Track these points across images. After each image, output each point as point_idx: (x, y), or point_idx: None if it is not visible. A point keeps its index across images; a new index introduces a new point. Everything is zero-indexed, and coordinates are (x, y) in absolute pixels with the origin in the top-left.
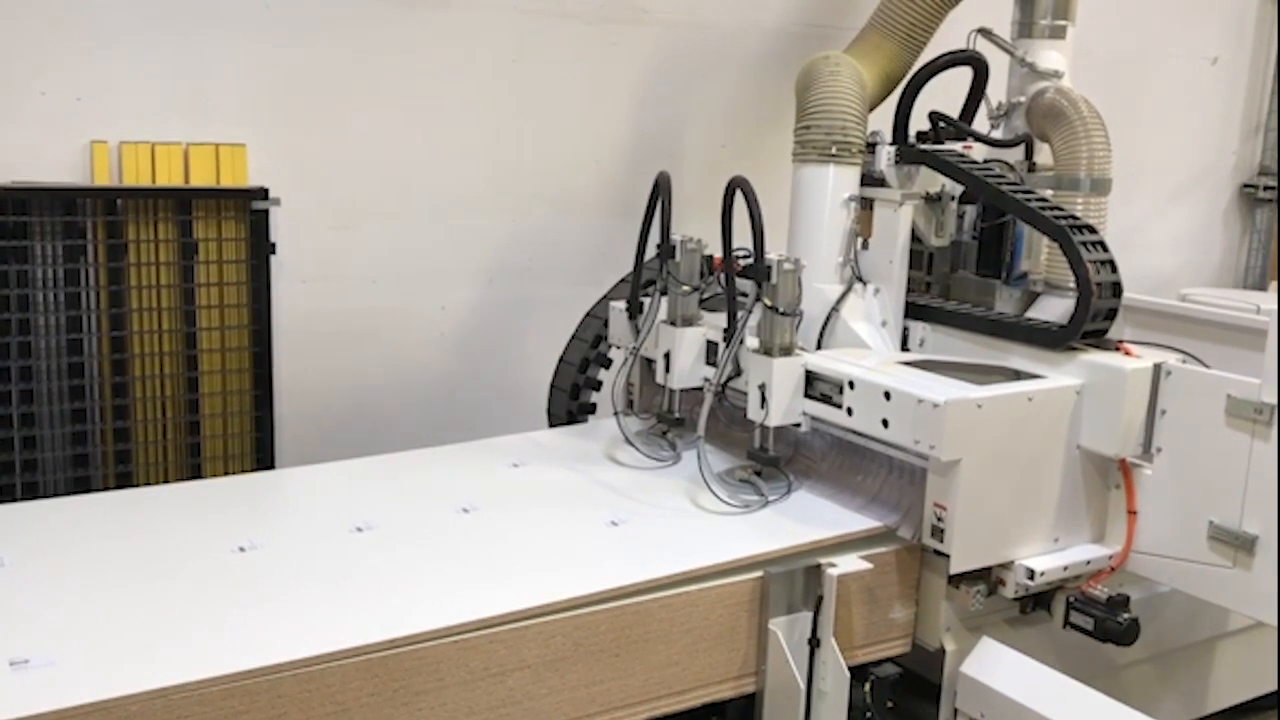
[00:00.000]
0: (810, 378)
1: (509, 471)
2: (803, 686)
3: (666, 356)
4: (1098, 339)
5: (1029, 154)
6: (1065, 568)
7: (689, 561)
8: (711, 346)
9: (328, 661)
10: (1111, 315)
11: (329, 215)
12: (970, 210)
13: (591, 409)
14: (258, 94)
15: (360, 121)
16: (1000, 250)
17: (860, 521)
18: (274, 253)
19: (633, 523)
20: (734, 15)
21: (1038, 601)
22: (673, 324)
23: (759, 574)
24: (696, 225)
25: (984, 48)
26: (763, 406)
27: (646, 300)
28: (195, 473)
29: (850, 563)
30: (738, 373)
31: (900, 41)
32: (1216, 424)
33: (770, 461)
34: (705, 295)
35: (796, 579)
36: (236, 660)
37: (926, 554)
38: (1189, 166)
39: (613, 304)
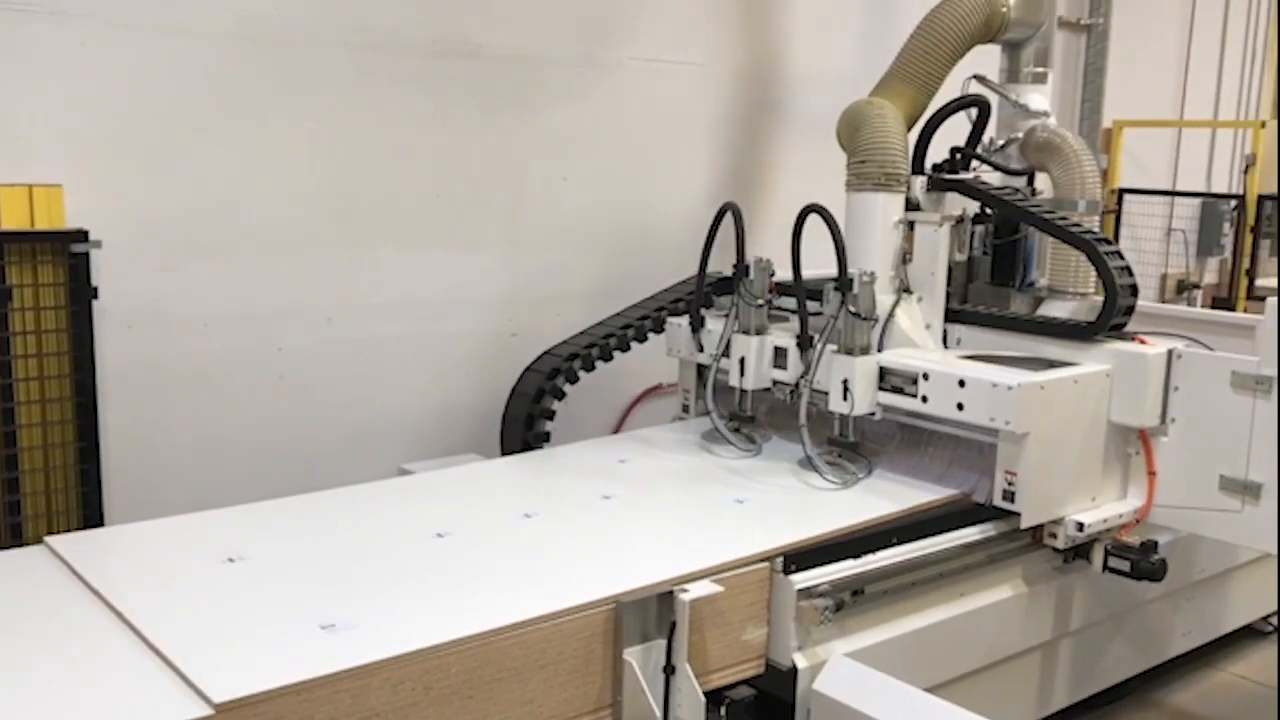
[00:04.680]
0: (883, 373)
1: (622, 466)
2: (659, 715)
3: (741, 362)
4: (1119, 332)
5: (1030, 181)
6: (1104, 520)
7: (830, 523)
8: (779, 352)
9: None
10: (1130, 311)
11: (156, 257)
12: (979, 229)
13: (546, 438)
14: (74, 133)
15: (186, 159)
16: (1014, 262)
17: (940, 490)
18: (96, 297)
19: (754, 500)
20: (565, 50)
21: (1078, 552)
22: (746, 333)
23: (612, 605)
24: (544, 251)
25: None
26: (845, 399)
27: (706, 314)
28: (15, 533)
29: (702, 587)
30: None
31: (918, 87)
32: (1222, 395)
33: (851, 446)
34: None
35: (649, 607)
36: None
37: (775, 573)
38: None
39: (671, 320)
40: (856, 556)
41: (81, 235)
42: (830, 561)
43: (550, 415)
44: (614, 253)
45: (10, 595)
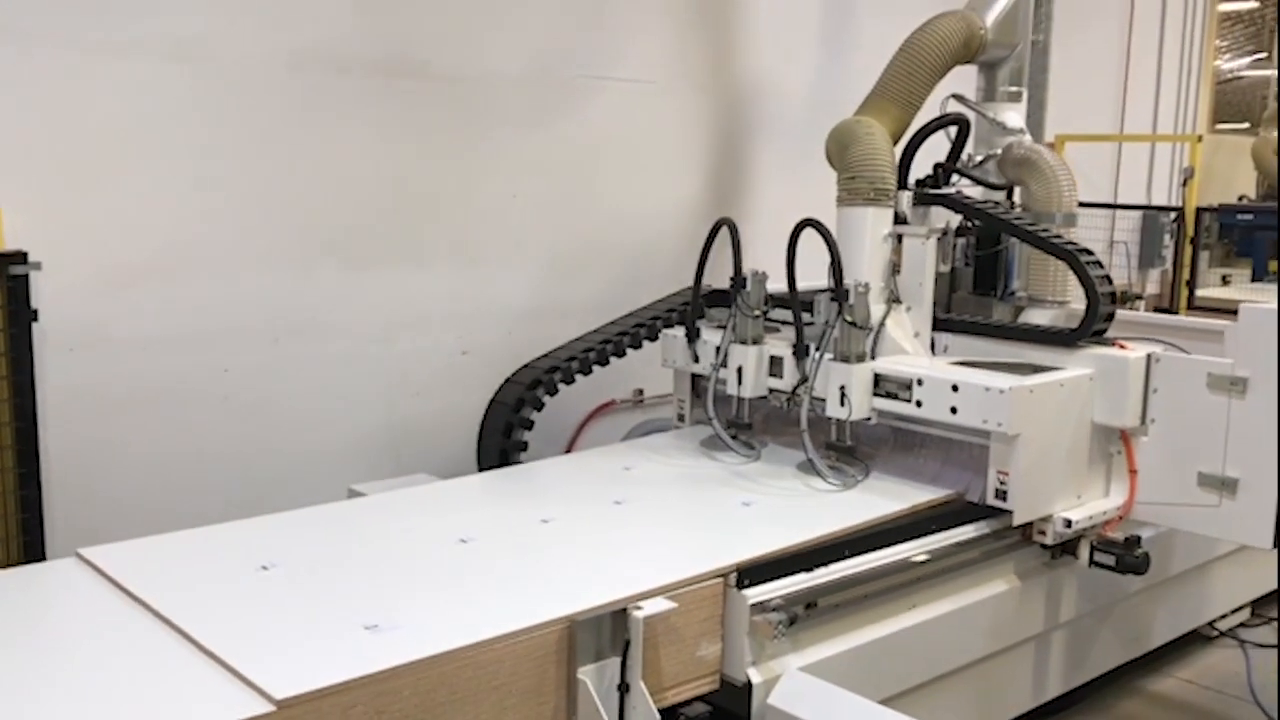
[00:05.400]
0: (878, 379)
1: (629, 473)
2: None
3: (739, 371)
4: (1100, 337)
5: (1009, 195)
6: (1090, 517)
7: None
8: (774, 361)
9: None
10: (1110, 318)
11: (98, 278)
12: (961, 242)
13: (524, 447)
14: (13, 153)
15: (128, 179)
16: (995, 273)
17: (935, 491)
18: (36, 320)
19: (761, 503)
20: (515, 67)
21: (1064, 548)
22: (743, 343)
23: (565, 624)
24: (494, 269)
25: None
26: (842, 404)
27: (702, 325)
28: None
29: (656, 604)
30: (801, 380)
31: (902, 105)
32: (1199, 395)
33: (847, 450)
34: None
35: (604, 625)
36: None
37: (729, 588)
38: None
39: (666, 331)
40: (809, 570)
41: (21, 256)
42: (784, 575)
43: (540, 406)
44: (565, 270)
45: (55, 606)
